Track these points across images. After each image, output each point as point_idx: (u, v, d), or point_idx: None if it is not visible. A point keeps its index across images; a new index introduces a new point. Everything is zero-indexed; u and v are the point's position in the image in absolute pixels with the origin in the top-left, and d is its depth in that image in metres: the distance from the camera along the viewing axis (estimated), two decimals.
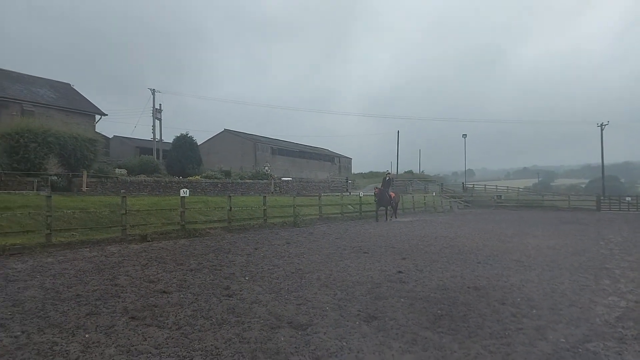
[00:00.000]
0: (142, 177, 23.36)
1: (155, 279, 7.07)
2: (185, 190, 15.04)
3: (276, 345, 4.21)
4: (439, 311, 5.43)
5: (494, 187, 57.26)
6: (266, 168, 37.12)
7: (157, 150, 40.46)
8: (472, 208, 39.72)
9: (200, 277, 7.26)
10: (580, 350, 4.21)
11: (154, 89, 41.42)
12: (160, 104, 41.89)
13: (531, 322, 5.02)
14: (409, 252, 10.46)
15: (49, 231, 10.73)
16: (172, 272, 7.74)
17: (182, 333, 4.51)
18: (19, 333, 4.43)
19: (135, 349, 4.05)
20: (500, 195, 47.09)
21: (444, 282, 7.09)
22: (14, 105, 26.30)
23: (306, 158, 60.07)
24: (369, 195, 28.24)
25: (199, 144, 33.32)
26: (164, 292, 6.22)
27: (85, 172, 19.97)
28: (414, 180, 54.49)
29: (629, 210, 36.45)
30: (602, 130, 50.46)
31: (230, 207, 15.94)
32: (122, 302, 5.67)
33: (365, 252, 10.35)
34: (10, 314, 5.04)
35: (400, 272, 7.93)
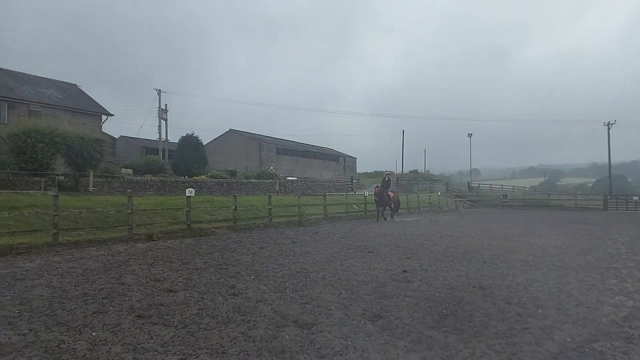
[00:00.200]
0: (148, 177, 23.48)
1: (161, 278, 7.11)
2: (190, 189, 15.09)
3: (281, 344, 4.22)
4: (444, 310, 5.42)
5: (500, 186, 57.04)
6: (271, 168, 37.19)
7: (163, 150, 40.63)
8: (477, 207, 39.57)
9: (205, 276, 7.29)
10: (586, 350, 4.19)
11: (159, 89, 41.64)
12: (165, 104, 42.10)
13: (537, 322, 5.00)
14: (414, 252, 10.44)
15: (56, 230, 10.81)
16: (178, 271, 7.78)
17: (188, 331, 4.53)
18: (26, 331, 4.47)
19: (142, 347, 4.08)
20: (506, 195, 46.91)
21: (450, 282, 7.08)
22: (21, 106, 26.52)
23: (311, 158, 60.12)
24: (373, 194, 28.19)
25: (204, 143, 33.44)
26: (170, 290, 6.26)
27: (91, 172, 20.11)
28: (419, 179, 54.38)
29: (636, 210, 36.19)
30: (609, 129, 50.14)
31: (236, 207, 15.98)
32: (129, 300, 5.70)
33: (370, 252, 10.34)
34: (18, 312, 5.09)
35: (405, 271, 7.92)
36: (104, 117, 32.13)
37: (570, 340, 4.44)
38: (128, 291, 6.19)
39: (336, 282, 6.94)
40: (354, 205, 24.02)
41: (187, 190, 15.07)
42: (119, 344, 4.17)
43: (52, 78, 33.15)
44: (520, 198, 46.71)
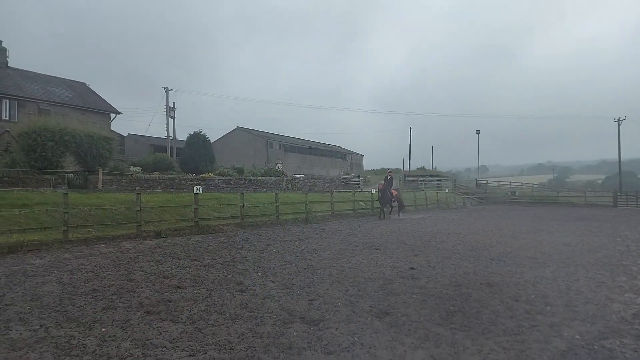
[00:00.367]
0: (156, 175, 23.62)
1: (169, 275, 7.16)
2: (198, 187, 15.17)
3: (289, 340, 4.24)
4: (451, 307, 5.41)
5: (508, 183, 56.62)
6: (278, 165, 37.24)
7: (171, 148, 40.85)
8: (485, 204, 39.33)
9: (213, 273, 7.34)
10: (595, 347, 4.16)
11: (167, 88, 41.81)
12: (173, 102, 42.32)
13: (545, 319, 4.97)
14: (421, 249, 10.41)
15: (66, 228, 10.93)
16: (186, 267, 7.83)
17: (196, 327, 4.56)
18: (37, 327, 4.53)
19: (151, 343, 4.12)
20: (514, 192, 46.57)
21: (457, 279, 7.05)
22: (31, 105, 26.81)
23: (318, 155, 60.14)
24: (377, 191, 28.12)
25: (212, 141, 33.53)
26: (178, 287, 6.31)
27: (100, 170, 20.27)
28: (427, 176, 54.13)
29: None
30: (619, 125, 49.55)
31: (243, 204, 16.04)
32: (138, 297, 5.75)
33: (377, 249, 10.33)
34: (29, 309, 5.16)
35: (412, 268, 7.91)
36: (112, 115, 32.39)
37: (579, 337, 4.41)
38: (137, 288, 6.25)
39: (343, 279, 6.95)
40: (361, 203, 23.98)
41: (194, 187, 15.14)
42: (128, 339, 4.21)
43: (61, 77, 33.44)
44: (529, 195, 46.34)
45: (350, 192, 28.28)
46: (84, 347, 4.02)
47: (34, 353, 3.87)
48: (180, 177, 24.35)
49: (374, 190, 25.45)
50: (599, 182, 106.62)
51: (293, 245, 10.97)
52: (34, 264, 8.02)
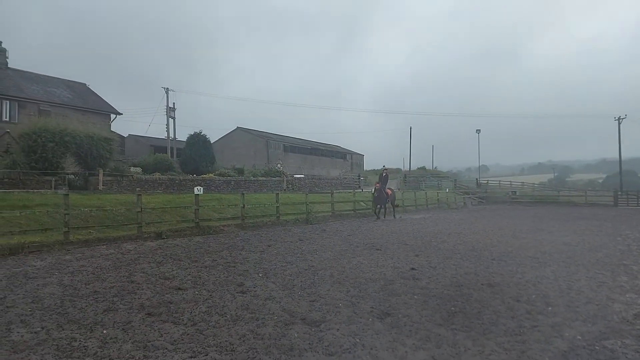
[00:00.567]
0: (156, 175, 23.61)
1: (170, 276, 7.17)
2: (199, 188, 15.17)
3: (290, 342, 4.24)
4: (452, 308, 5.41)
5: (509, 182, 56.58)
6: (278, 165, 37.24)
7: (172, 148, 40.85)
8: (486, 204, 39.33)
9: (214, 274, 7.34)
10: (597, 347, 4.16)
11: (167, 88, 41.81)
12: (174, 103, 42.32)
13: (547, 320, 4.97)
14: (422, 249, 10.41)
15: (66, 229, 10.94)
16: (187, 269, 7.83)
17: (197, 329, 4.57)
18: (38, 329, 4.54)
19: (152, 345, 4.12)
20: (515, 191, 46.55)
21: (458, 279, 7.06)
22: (31, 106, 26.81)
23: (318, 155, 60.13)
24: (373, 191, 28.05)
25: (212, 141, 33.51)
26: (179, 288, 6.31)
27: (101, 171, 20.27)
28: (427, 176, 54.10)
29: None
30: (619, 124, 49.54)
31: (244, 205, 16.04)
32: (139, 298, 5.76)
33: (378, 249, 10.33)
34: (30, 311, 5.16)
35: (413, 268, 7.91)
36: (112, 116, 32.38)
37: (580, 338, 4.41)
38: (138, 289, 6.25)
39: (344, 280, 6.95)
40: (362, 203, 23.97)
41: (195, 188, 15.15)
42: (130, 341, 4.21)
43: (61, 77, 33.44)
44: (530, 194, 46.31)
45: (350, 192, 28.29)
46: (85, 349, 4.02)
47: (36, 355, 3.87)
48: (181, 177, 24.35)
49: (374, 190, 25.43)
50: (600, 181, 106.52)
51: (294, 246, 10.97)
52: (35, 266, 8.02)
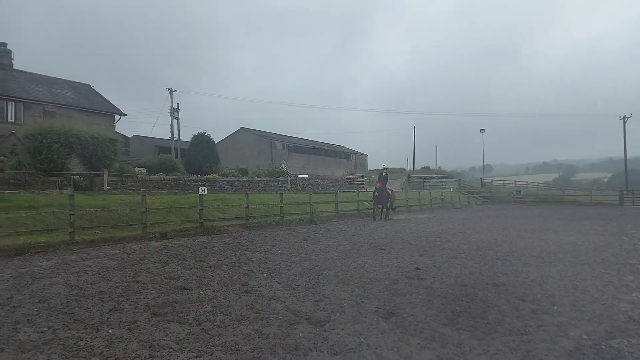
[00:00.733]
0: (161, 176, 23.69)
1: (175, 276, 7.19)
2: (203, 188, 15.21)
3: (295, 341, 4.25)
4: (457, 307, 5.40)
5: (513, 182, 56.40)
6: (282, 165, 37.27)
7: (176, 149, 40.93)
8: (490, 204, 39.21)
9: (219, 274, 7.36)
10: (603, 347, 4.14)
11: (171, 89, 41.88)
12: (177, 103, 42.43)
13: (552, 319, 4.95)
14: (426, 249, 10.40)
15: (72, 229, 11.00)
16: (191, 269, 7.86)
17: (202, 329, 4.58)
18: (45, 329, 4.57)
19: (157, 344, 4.14)
20: (520, 191, 46.40)
21: (463, 279, 7.04)
22: (37, 107, 26.98)
23: (322, 155, 60.14)
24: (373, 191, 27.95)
25: (216, 142, 33.58)
26: (184, 288, 6.33)
27: (106, 172, 20.36)
28: (431, 175, 53.99)
29: None
30: (624, 122, 49.22)
31: (248, 205, 16.07)
32: (144, 298, 5.78)
33: (382, 249, 10.33)
34: (36, 310, 5.20)
35: (417, 268, 7.90)
36: (117, 117, 32.54)
37: (586, 337, 4.39)
38: (143, 289, 6.28)
39: (348, 280, 6.95)
40: (366, 203, 23.96)
41: (199, 188, 15.20)
42: (135, 341, 4.23)
43: (66, 78, 33.62)
44: (534, 194, 46.12)
45: (354, 192, 28.27)
46: (91, 348, 4.04)
47: (42, 355, 3.89)
48: (185, 178, 24.42)
49: (374, 190, 25.35)
50: (605, 180, 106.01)
51: (298, 245, 10.98)
52: (41, 266, 8.07)
